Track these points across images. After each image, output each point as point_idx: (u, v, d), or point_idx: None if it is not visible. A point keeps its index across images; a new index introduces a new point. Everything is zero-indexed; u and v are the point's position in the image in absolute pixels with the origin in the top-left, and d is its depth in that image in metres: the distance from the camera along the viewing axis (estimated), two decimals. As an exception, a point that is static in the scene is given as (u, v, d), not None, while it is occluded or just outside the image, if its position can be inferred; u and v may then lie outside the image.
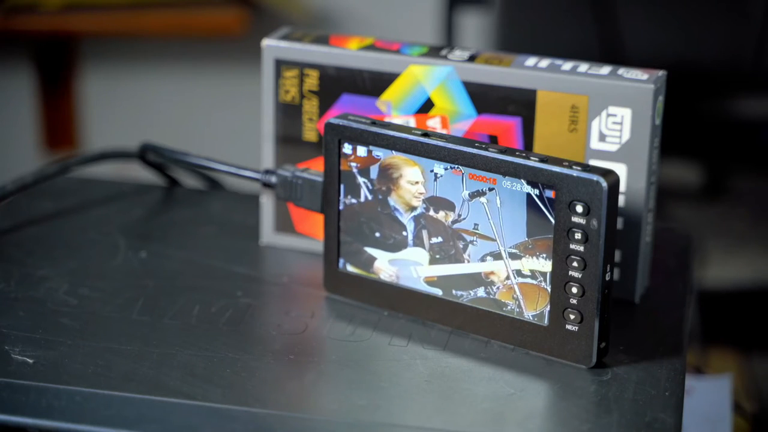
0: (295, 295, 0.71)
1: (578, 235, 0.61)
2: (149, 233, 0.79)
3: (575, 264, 0.61)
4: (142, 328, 0.66)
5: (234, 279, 0.72)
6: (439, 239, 0.65)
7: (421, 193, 0.65)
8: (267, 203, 0.76)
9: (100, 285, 0.70)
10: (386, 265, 0.67)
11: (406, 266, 0.67)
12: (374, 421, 0.59)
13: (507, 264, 0.63)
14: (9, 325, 0.65)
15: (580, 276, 0.61)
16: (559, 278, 0.62)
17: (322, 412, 0.61)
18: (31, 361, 0.62)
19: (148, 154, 0.82)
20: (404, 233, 0.66)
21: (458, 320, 0.66)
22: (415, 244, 0.66)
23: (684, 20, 1.66)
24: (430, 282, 0.66)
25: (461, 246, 0.65)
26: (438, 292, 0.66)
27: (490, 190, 0.63)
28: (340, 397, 0.62)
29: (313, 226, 0.75)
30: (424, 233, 0.66)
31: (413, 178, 0.65)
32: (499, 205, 0.63)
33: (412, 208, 0.66)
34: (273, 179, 0.73)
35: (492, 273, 0.64)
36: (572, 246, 0.61)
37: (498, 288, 0.64)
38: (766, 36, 1.63)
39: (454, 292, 0.66)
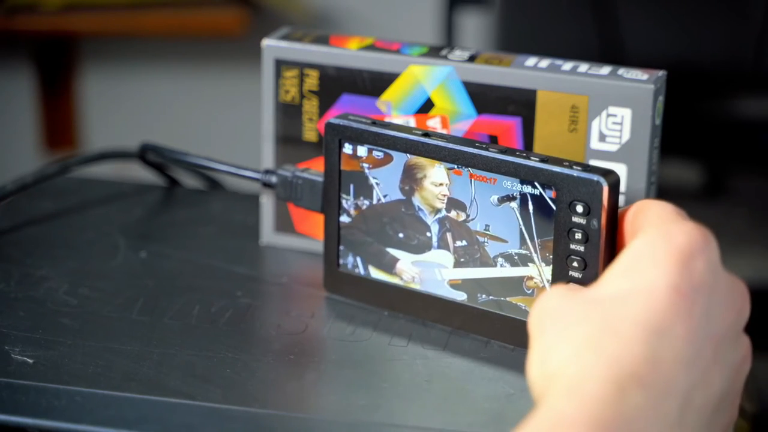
0: (295, 295, 0.71)
1: (578, 235, 0.61)
2: (149, 233, 0.79)
3: (575, 264, 0.61)
4: (142, 328, 0.66)
5: (234, 279, 0.72)
6: (464, 243, 0.65)
7: (444, 195, 0.65)
8: (267, 203, 0.76)
9: (100, 285, 0.70)
10: (409, 267, 0.67)
11: (430, 268, 0.67)
12: (374, 421, 0.59)
13: (540, 269, 0.63)
14: (9, 325, 0.65)
15: (580, 276, 0.61)
16: (560, 278, 0.62)
17: (322, 412, 0.61)
18: (31, 361, 0.62)
19: (148, 154, 0.82)
20: (428, 234, 0.66)
21: (458, 320, 0.66)
22: (440, 246, 0.66)
23: (684, 20, 1.65)
24: (454, 285, 0.66)
25: (485, 248, 0.65)
26: (462, 296, 0.66)
27: (521, 195, 0.62)
28: (340, 397, 0.62)
29: (313, 226, 0.75)
30: (449, 236, 0.66)
31: (438, 180, 0.65)
32: (531, 211, 0.62)
33: (436, 210, 0.66)
34: (273, 179, 0.73)
35: (530, 278, 0.64)
36: (572, 246, 0.61)
37: (529, 293, 0.64)
38: (766, 36, 1.63)
39: (478, 296, 0.65)
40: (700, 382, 0.51)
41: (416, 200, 0.66)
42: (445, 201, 0.65)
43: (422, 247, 0.66)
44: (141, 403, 0.60)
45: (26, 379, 0.61)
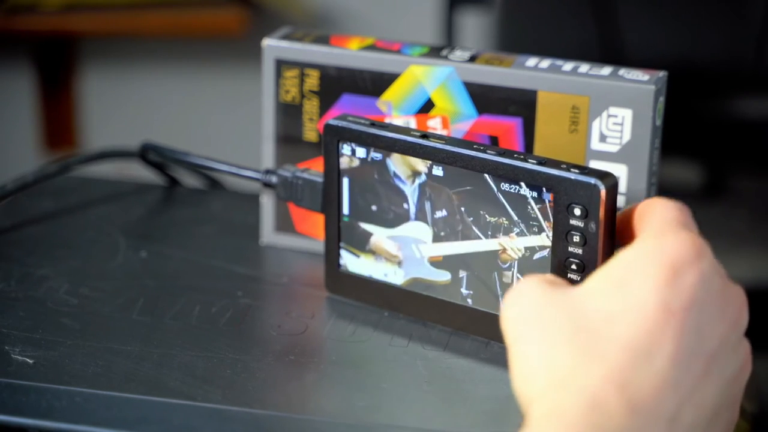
0: (295, 295, 0.71)
1: (576, 238, 0.61)
2: (149, 233, 0.79)
3: (573, 267, 0.61)
4: (142, 328, 0.66)
5: (234, 279, 0.72)
6: (444, 213, 0.64)
7: None
8: (267, 203, 0.76)
9: (100, 285, 0.70)
10: (386, 242, 0.66)
11: (407, 244, 0.66)
12: (374, 422, 0.59)
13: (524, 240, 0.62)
14: (9, 325, 0.65)
15: (578, 279, 0.61)
16: (560, 279, 0.62)
17: (323, 413, 0.61)
18: (31, 361, 0.62)
19: (148, 154, 0.82)
20: (405, 206, 0.65)
21: (459, 321, 0.66)
22: (417, 218, 0.65)
23: (684, 20, 1.65)
24: (435, 262, 0.65)
25: (469, 220, 0.63)
26: (446, 275, 0.65)
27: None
28: (340, 398, 0.62)
29: (313, 226, 0.75)
30: (428, 205, 0.65)
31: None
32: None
33: (416, 174, 0.65)
34: (273, 179, 0.73)
35: (504, 251, 0.63)
36: (570, 249, 0.61)
37: (504, 266, 0.63)
38: (766, 36, 1.63)
39: (461, 274, 0.65)
40: (689, 399, 0.50)
41: (392, 163, 0.65)
42: (429, 163, 0.63)
43: (398, 219, 0.65)
44: (141, 404, 0.60)
45: (26, 379, 0.61)
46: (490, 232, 0.63)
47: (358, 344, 0.66)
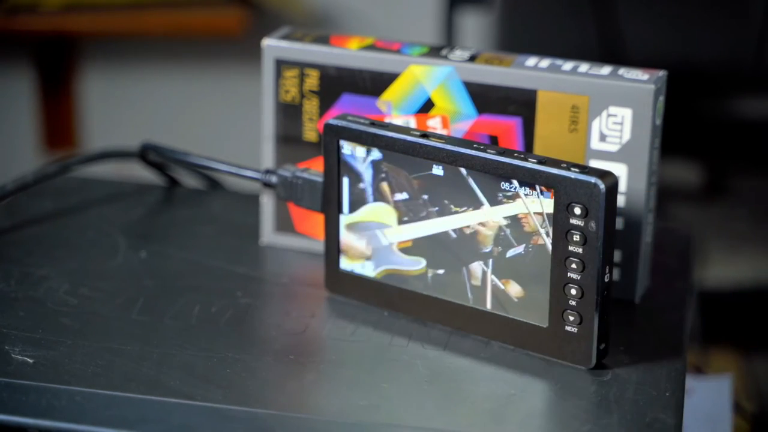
0: (295, 295, 0.71)
1: (577, 237, 0.61)
2: (149, 233, 0.79)
3: (574, 266, 0.61)
4: (142, 328, 0.66)
5: (234, 279, 0.72)
6: (405, 195, 0.62)
7: None
8: (267, 203, 0.76)
9: (100, 285, 0.70)
10: (349, 237, 0.63)
11: (370, 232, 0.64)
12: (374, 422, 0.59)
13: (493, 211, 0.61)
14: (9, 325, 0.65)
15: (578, 278, 0.61)
16: (558, 280, 0.62)
17: (323, 412, 0.61)
18: (31, 360, 0.62)
19: (148, 154, 0.82)
20: (361, 185, 0.63)
21: (459, 321, 0.66)
22: (375, 199, 0.63)
23: (684, 20, 1.66)
24: (405, 249, 0.64)
25: (431, 205, 0.61)
26: (420, 262, 0.65)
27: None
28: (340, 397, 0.62)
29: (313, 226, 0.75)
30: (386, 186, 0.63)
31: None
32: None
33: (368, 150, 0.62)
34: (273, 179, 0.73)
35: (480, 229, 0.61)
36: (571, 248, 0.61)
37: (485, 251, 0.61)
38: (766, 36, 1.63)
39: (439, 262, 0.63)
40: None
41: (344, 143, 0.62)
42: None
43: (355, 202, 0.64)
44: (141, 404, 0.60)
45: (26, 379, 0.61)
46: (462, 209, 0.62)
47: (358, 344, 0.66)
